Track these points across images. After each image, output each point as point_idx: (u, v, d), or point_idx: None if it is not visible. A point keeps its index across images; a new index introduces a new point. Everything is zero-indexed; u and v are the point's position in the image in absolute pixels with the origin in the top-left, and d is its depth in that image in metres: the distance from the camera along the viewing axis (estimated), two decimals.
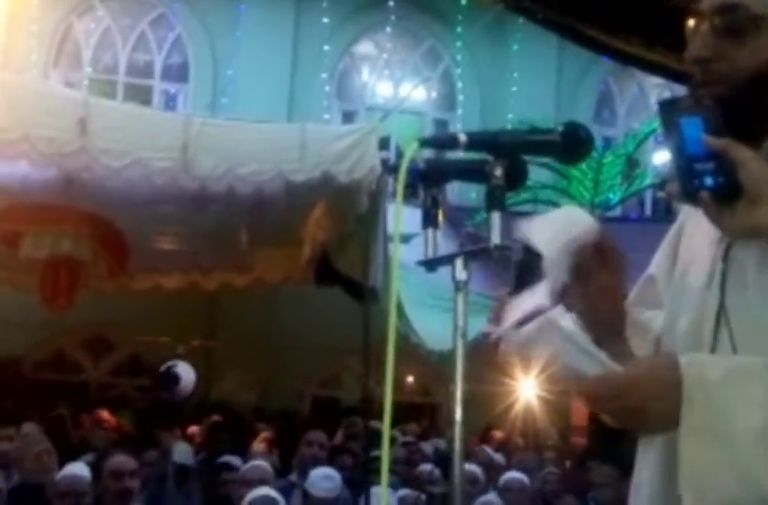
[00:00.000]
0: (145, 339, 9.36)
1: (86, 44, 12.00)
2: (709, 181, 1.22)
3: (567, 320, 1.32)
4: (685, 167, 1.24)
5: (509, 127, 11.21)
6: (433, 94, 13.08)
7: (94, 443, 6.52)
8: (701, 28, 1.34)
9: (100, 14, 11.88)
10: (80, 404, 8.66)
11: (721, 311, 1.33)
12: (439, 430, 8.72)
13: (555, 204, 8.86)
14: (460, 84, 12.82)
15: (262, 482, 4.51)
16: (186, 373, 6.63)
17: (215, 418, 7.57)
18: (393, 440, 6.33)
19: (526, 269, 1.46)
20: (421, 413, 9.76)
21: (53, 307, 6.52)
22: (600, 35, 8.83)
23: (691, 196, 1.24)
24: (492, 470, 5.59)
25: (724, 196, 1.21)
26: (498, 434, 8.51)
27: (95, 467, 4.65)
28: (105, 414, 7.56)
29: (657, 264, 1.57)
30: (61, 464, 4.67)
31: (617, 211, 10.95)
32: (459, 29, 12.40)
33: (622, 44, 8.78)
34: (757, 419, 1.18)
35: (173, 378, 6.46)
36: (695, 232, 1.45)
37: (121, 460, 4.43)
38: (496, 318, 1.53)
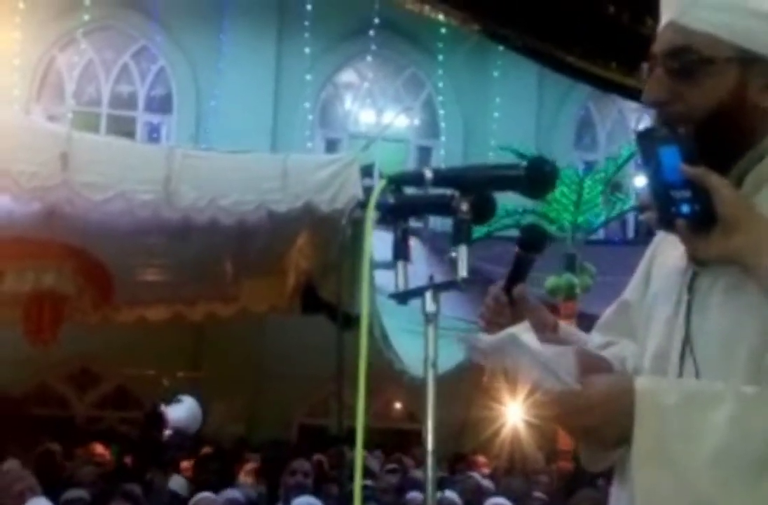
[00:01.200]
0: (130, 371, 9.32)
1: (69, 77, 12.06)
2: (685, 208, 1.24)
3: (529, 336, 1.36)
4: (663, 195, 1.27)
5: (492, 153, 11.33)
6: (416, 122, 13.19)
7: (81, 477, 6.44)
8: (655, 70, 1.38)
9: (82, 47, 11.94)
10: (67, 438, 8.58)
11: (686, 341, 1.35)
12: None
13: None
14: (442, 111, 12.94)
15: None
16: (187, 410, 6.51)
17: (205, 450, 7.53)
18: (368, 469, 6.28)
19: (521, 265, 1.56)
20: (410, 440, 9.71)
21: (37, 341, 6.50)
22: (579, 62, 8.96)
23: (667, 223, 1.27)
24: (480, 497, 5.57)
25: (700, 223, 1.24)
26: (484, 460, 8.48)
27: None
28: (99, 448, 7.49)
29: (632, 289, 1.59)
30: (53, 500, 4.62)
31: (600, 234, 11.03)
32: (440, 57, 12.54)
33: (601, 70, 8.91)
34: (711, 444, 1.18)
35: (160, 419, 6.40)
36: (666, 259, 1.47)
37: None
38: (489, 310, 1.58)
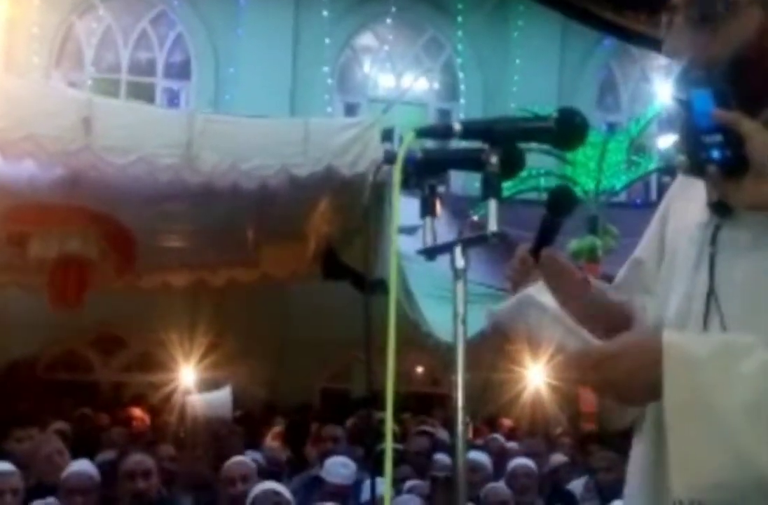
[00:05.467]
0: (154, 337, 9.40)
1: (88, 44, 12.01)
2: (716, 154, 1.22)
3: (545, 296, 1.35)
4: (694, 140, 1.24)
5: (512, 115, 11.19)
6: (436, 85, 13.05)
7: (113, 439, 6.53)
8: (675, 21, 1.36)
9: (101, 13, 11.88)
10: (94, 403, 8.72)
11: (711, 295, 1.33)
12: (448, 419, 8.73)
13: None
14: (461, 74, 12.79)
15: (244, 479, 4.43)
16: (217, 399, 6.50)
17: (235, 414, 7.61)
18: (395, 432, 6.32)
19: (548, 228, 1.53)
20: (432, 404, 9.77)
21: (62, 306, 6.55)
22: (608, 13, 8.75)
23: (698, 168, 1.25)
24: (504, 459, 5.59)
25: (731, 169, 1.21)
26: (507, 422, 8.53)
27: (113, 466, 4.66)
28: (137, 411, 7.59)
29: (644, 247, 1.59)
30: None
31: (622, 197, 10.91)
32: (459, 19, 12.36)
33: (631, 23, 8.70)
34: (744, 395, 1.17)
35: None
36: (684, 215, 1.46)
37: (136, 460, 4.41)
38: (515, 272, 1.56)
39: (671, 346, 1.22)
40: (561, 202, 1.54)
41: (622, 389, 1.27)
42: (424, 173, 1.47)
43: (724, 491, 1.17)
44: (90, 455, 5.37)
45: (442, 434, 6.38)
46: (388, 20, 12.33)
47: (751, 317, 1.28)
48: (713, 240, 1.35)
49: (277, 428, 7.38)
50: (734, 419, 1.16)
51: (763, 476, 1.15)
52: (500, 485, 4.71)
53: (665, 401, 1.20)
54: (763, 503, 1.18)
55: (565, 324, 1.33)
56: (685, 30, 1.34)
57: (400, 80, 12.85)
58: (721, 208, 1.35)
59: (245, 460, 4.72)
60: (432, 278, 6.07)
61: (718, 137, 1.21)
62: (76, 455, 5.02)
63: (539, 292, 1.39)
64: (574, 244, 8.33)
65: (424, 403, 9.64)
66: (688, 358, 1.21)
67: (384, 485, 1.39)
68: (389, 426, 1.32)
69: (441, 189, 1.62)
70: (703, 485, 1.17)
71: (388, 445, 1.32)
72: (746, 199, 1.22)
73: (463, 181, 10.45)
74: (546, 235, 1.55)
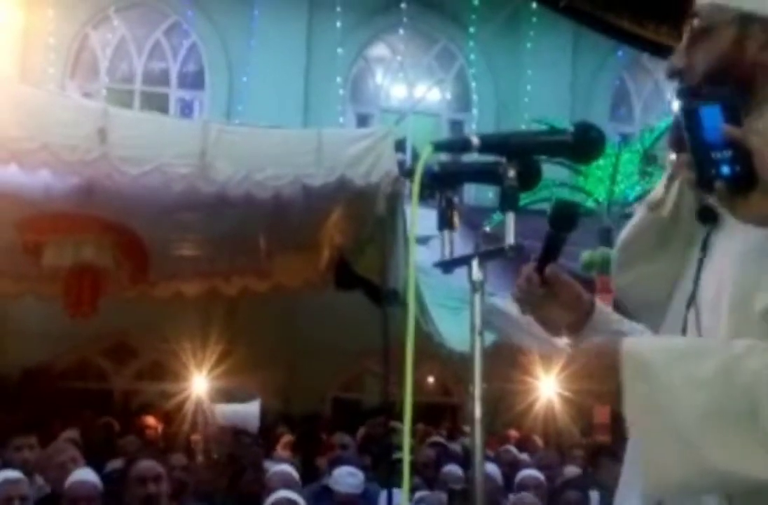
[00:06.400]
0: (166, 346, 9.42)
1: (102, 54, 12.11)
2: (725, 169, 1.22)
3: (510, 306, 1.40)
4: (703, 155, 1.25)
5: (525, 126, 11.21)
6: (448, 95, 13.08)
7: (125, 448, 6.55)
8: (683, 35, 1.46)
9: (115, 24, 11.98)
10: (108, 412, 8.74)
11: (692, 300, 1.37)
12: (457, 430, 8.71)
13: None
14: (474, 84, 12.82)
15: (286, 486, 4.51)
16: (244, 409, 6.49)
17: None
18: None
19: (552, 244, 1.55)
20: (442, 414, 9.75)
21: (77, 314, 6.57)
22: (624, 23, 8.72)
23: (706, 184, 1.25)
24: (516, 470, 5.57)
25: (740, 184, 1.22)
26: (518, 433, 8.49)
27: (123, 473, 4.66)
28: (150, 420, 7.60)
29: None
30: (98, 470, 4.69)
31: (636, 208, 10.92)
32: (472, 29, 12.40)
33: (651, 34, 8.68)
34: (700, 399, 1.20)
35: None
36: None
37: (147, 465, 4.43)
38: (521, 290, 1.59)
39: (629, 351, 1.26)
40: (562, 217, 1.55)
41: (588, 393, 1.32)
42: (441, 186, 1.48)
43: (689, 492, 1.25)
44: (101, 464, 5.38)
45: (453, 445, 6.37)
46: (401, 31, 12.39)
47: (716, 325, 1.32)
48: (704, 245, 1.38)
49: (287, 438, 7.38)
50: (691, 423, 1.20)
51: (723, 479, 1.19)
52: (528, 494, 4.71)
53: (626, 407, 1.25)
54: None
55: (529, 331, 1.41)
56: (682, 49, 1.43)
57: (413, 91, 12.89)
58: (707, 215, 1.39)
59: (288, 468, 4.79)
60: (444, 289, 6.08)
61: (728, 153, 1.22)
62: (87, 463, 5.03)
63: (501, 300, 1.47)
64: (586, 255, 8.32)
65: (435, 413, 9.62)
66: (645, 362, 1.25)
67: (397, 496, 1.40)
68: (407, 438, 1.33)
69: (455, 200, 1.64)
70: (669, 486, 1.23)
71: (406, 456, 1.33)
72: (754, 215, 1.24)
73: (475, 192, 10.46)
74: (550, 251, 1.57)
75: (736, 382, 1.20)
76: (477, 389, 1.36)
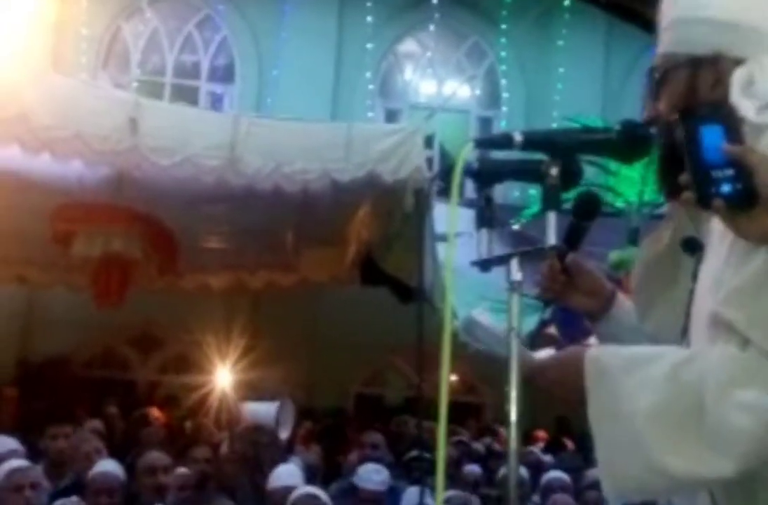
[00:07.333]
0: (191, 337, 9.47)
1: (134, 46, 12.17)
2: (726, 188, 1.23)
3: (485, 318, 1.49)
4: (703, 175, 1.25)
5: (555, 124, 11.13)
6: (478, 92, 13.01)
7: (142, 440, 6.59)
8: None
9: (147, 16, 12.03)
10: (130, 401, 8.79)
11: (685, 332, 1.42)
12: (486, 429, 8.68)
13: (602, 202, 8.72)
14: (504, 81, 12.73)
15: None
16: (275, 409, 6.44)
17: None
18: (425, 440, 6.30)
19: (574, 232, 1.57)
20: (466, 413, 9.72)
21: (105, 304, 6.61)
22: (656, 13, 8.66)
23: (707, 203, 1.25)
24: (540, 472, 5.54)
25: (741, 202, 1.22)
26: (543, 435, 8.44)
27: (131, 464, 4.69)
28: (155, 411, 7.65)
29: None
30: (121, 461, 4.72)
31: (665, 209, 10.80)
32: (503, 26, 12.31)
33: None
34: (647, 400, 1.25)
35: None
36: None
37: (155, 456, 4.45)
38: (544, 278, 1.63)
39: (591, 359, 1.33)
40: (586, 207, 1.56)
41: (558, 399, 1.40)
42: (480, 184, 1.45)
43: (645, 494, 1.31)
44: (124, 454, 5.41)
45: (475, 444, 6.34)
46: (431, 27, 12.32)
47: (699, 322, 1.37)
48: (694, 275, 1.42)
49: (303, 431, 7.38)
50: (641, 426, 1.24)
51: (674, 479, 1.22)
52: (564, 496, 4.68)
53: (588, 412, 1.30)
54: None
55: (498, 337, 1.47)
56: (649, 98, 1.52)
57: (442, 87, 12.83)
58: (692, 245, 1.42)
59: (292, 467, 4.80)
60: (471, 288, 6.03)
61: (729, 172, 1.22)
62: (111, 453, 5.06)
63: (481, 315, 1.53)
64: (615, 255, 8.24)
65: (460, 412, 9.59)
66: (605, 369, 1.31)
67: (420, 494, 1.40)
68: (442, 437, 1.31)
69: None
70: (625, 489, 1.28)
71: (441, 455, 1.31)
72: (757, 232, 1.23)
73: (503, 190, 10.39)
74: (572, 240, 1.58)
75: (683, 381, 1.25)
76: (513, 391, 1.34)
